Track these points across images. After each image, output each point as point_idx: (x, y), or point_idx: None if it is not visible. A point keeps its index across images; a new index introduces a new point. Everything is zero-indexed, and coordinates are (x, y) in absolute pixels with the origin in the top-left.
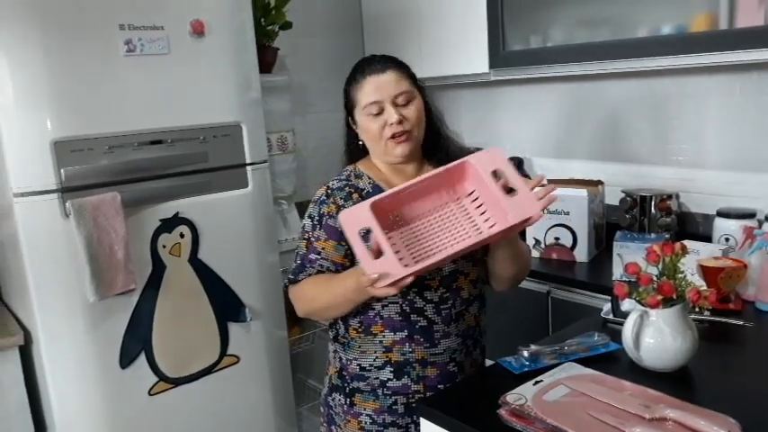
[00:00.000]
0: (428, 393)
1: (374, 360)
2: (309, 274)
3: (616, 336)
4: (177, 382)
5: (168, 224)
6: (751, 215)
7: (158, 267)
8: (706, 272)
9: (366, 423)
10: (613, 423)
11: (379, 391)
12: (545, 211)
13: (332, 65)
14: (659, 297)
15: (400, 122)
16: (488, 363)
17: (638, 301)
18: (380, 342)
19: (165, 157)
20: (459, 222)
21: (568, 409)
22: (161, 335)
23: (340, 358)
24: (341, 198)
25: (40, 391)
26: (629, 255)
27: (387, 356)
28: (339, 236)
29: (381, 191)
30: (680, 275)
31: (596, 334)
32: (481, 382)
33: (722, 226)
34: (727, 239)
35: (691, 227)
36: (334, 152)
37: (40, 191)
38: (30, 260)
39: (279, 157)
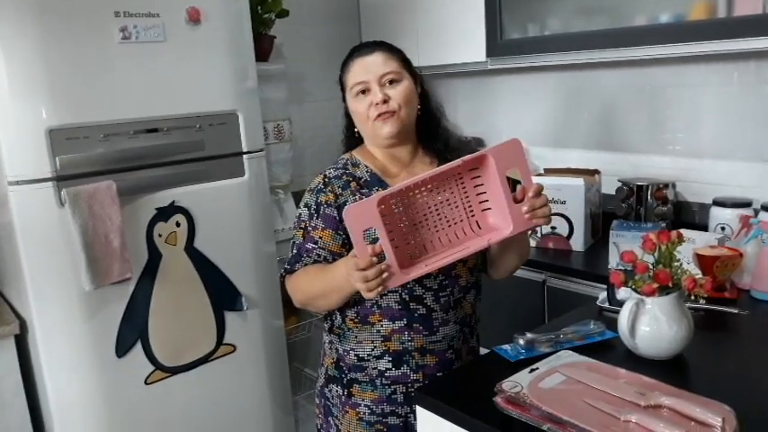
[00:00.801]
0: (427, 382)
1: (372, 350)
2: (306, 264)
3: (612, 324)
4: (173, 371)
5: (164, 213)
6: (747, 204)
7: (154, 256)
8: (702, 260)
9: (365, 413)
10: (609, 410)
11: (378, 381)
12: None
13: (328, 53)
14: (655, 285)
15: (385, 101)
16: (484, 351)
17: (634, 290)
18: (378, 332)
19: (161, 145)
20: (460, 218)
21: (564, 396)
22: (157, 324)
23: (336, 349)
24: (339, 187)
25: (35, 381)
26: (625, 244)
27: (385, 346)
28: (337, 225)
29: (378, 179)
30: (676, 264)
31: (592, 322)
32: (477, 370)
33: (718, 215)
34: (723, 228)
35: (687, 216)
36: (331, 141)
37: (35, 179)
38: (25, 249)
39: (275, 145)
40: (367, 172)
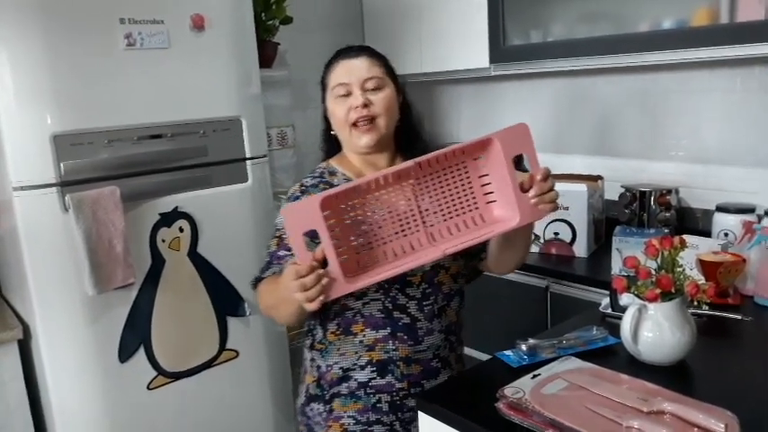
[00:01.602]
0: (412, 390)
1: (357, 360)
2: (274, 272)
3: (614, 330)
4: (176, 377)
5: (167, 218)
6: (750, 210)
7: (157, 261)
8: (705, 266)
9: (349, 424)
10: (611, 416)
11: (361, 392)
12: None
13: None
14: (658, 291)
15: (365, 106)
16: (486, 357)
17: (637, 295)
18: (361, 342)
19: (165, 151)
20: (463, 210)
21: (566, 402)
22: (160, 329)
23: (318, 366)
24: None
25: (38, 386)
26: (628, 249)
27: (369, 355)
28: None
29: None
30: (678, 269)
31: (595, 328)
32: (479, 375)
33: (721, 221)
34: (726, 234)
35: (690, 222)
36: None
37: (39, 185)
38: (29, 254)
39: (278, 151)
40: (344, 179)
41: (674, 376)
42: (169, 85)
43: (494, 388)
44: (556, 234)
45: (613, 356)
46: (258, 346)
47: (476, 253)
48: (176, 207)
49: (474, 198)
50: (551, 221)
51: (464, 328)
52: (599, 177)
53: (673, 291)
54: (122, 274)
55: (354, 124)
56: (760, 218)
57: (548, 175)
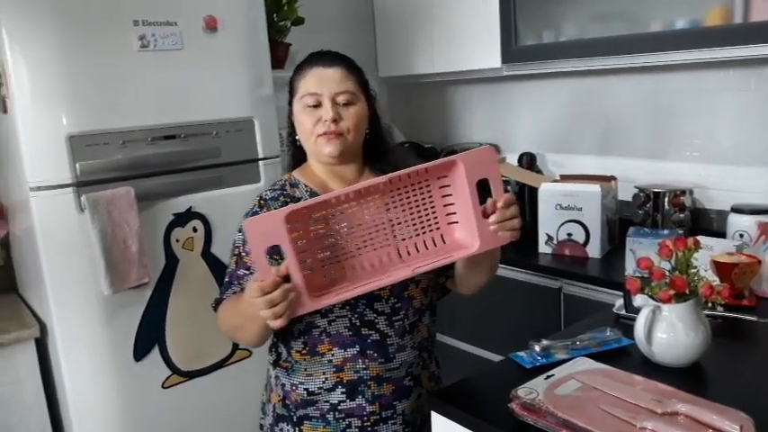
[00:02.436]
0: (383, 413)
1: (323, 382)
2: (235, 292)
3: (628, 331)
4: (190, 375)
5: (181, 218)
6: (766, 211)
7: (171, 261)
8: (719, 268)
9: None
10: (625, 417)
11: (330, 416)
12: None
13: None
14: (671, 292)
15: (335, 121)
16: (499, 359)
17: (651, 296)
18: (330, 362)
19: (179, 152)
20: (422, 230)
21: (580, 403)
22: (174, 328)
23: (282, 385)
24: (275, 208)
25: (55, 384)
26: (641, 250)
27: (338, 377)
28: (272, 250)
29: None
30: (692, 270)
31: (608, 329)
32: (492, 376)
33: (736, 222)
34: (741, 235)
35: (704, 223)
36: None
37: (55, 185)
38: (45, 254)
39: None
40: (306, 191)
41: (688, 378)
42: (182, 87)
43: (507, 389)
44: (569, 235)
45: (627, 358)
46: (269, 346)
47: (442, 271)
48: (190, 207)
49: (436, 218)
50: (564, 222)
51: (437, 344)
52: (612, 178)
53: (687, 292)
54: (137, 274)
55: (320, 135)
56: None
57: (510, 203)
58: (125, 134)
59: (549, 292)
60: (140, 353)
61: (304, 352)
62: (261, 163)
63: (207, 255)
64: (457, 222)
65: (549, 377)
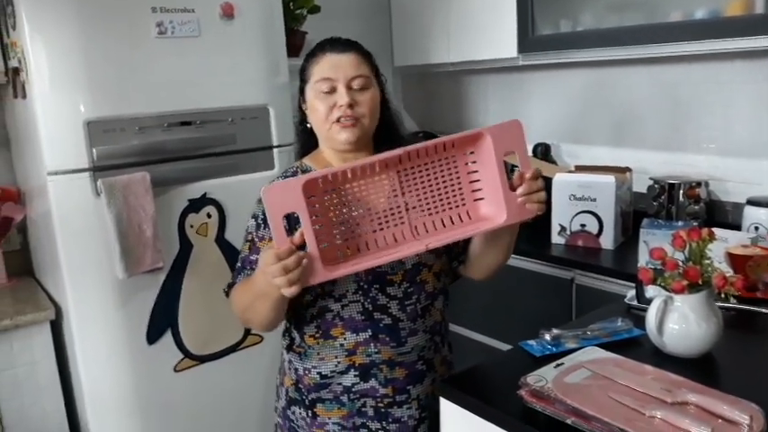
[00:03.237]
0: (397, 397)
1: (336, 366)
2: (247, 276)
3: (640, 322)
4: (202, 360)
5: (196, 204)
6: None
7: (185, 246)
8: (734, 260)
9: (334, 431)
10: (634, 406)
11: (344, 397)
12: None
13: None
14: (685, 282)
15: (350, 106)
16: (508, 347)
17: (664, 287)
18: (342, 345)
19: (194, 138)
20: (449, 205)
21: (589, 391)
22: (187, 313)
23: (296, 369)
24: None
25: (69, 366)
26: (655, 242)
27: (350, 360)
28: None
29: None
30: (706, 261)
31: (620, 319)
32: (502, 364)
33: (752, 214)
34: (756, 228)
35: (720, 215)
36: None
37: (72, 170)
38: (62, 238)
39: None
40: None
41: (700, 369)
42: (199, 73)
43: (516, 376)
44: (582, 226)
45: (638, 348)
46: (282, 331)
47: (455, 255)
48: (205, 193)
49: (462, 194)
50: (578, 213)
51: (449, 331)
52: (627, 169)
53: (700, 282)
54: (151, 258)
55: (336, 120)
56: None
57: (538, 175)
58: (141, 120)
59: (561, 282)
60: (153, 336)
61: (317, 336)
62: (275, 150)
63: (221, 241)
64: (483, 198)
65: (558, 365)
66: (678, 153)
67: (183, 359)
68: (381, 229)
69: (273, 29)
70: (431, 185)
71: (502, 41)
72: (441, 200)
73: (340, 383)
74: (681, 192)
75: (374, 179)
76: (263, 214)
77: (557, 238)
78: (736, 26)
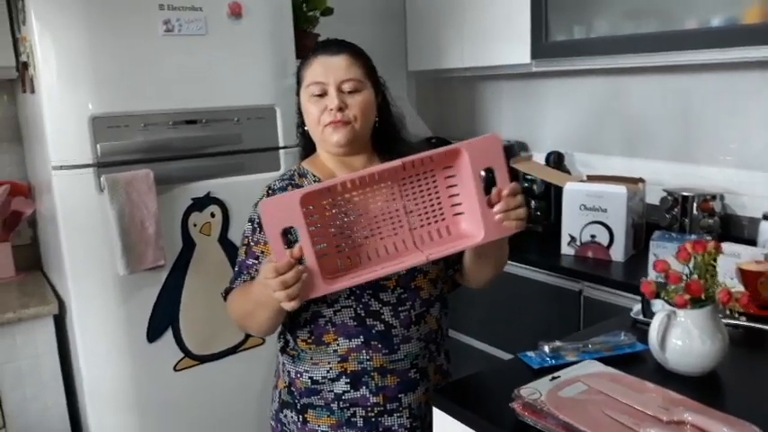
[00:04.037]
0: (388, 406)
1: (327, 372)
2: (245, 281)
3: (644, 336)
4: (202, 360)
5: (200, 203)
6: None
7: (188, 245)
8: (745, 276)
9: None
10: (629, 423)
11: (334, 405)
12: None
13: (372, 53)
14: (687, 296)
15: (340, 109)
16: (509, 357)
17: (667, 301)
18: (335, 351)
19: (199, 137)
20: (428, 221)
21: (583, 406)
22: (188, 312)
23: (288, 372)
24: None
25: (72, 360)
26: (666, 255)
27: (342, 367)
28: (286, 234)
29: None
30: (710, 276)
31: (623, 333)
32: (498, 375)
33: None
34: None
35: (735, 230)
36: None
37: (76, 165)
38: (65, 232)
39: None
40: (315, 181)
41: (702, 387)
42: (205, 72)
43: (511, 388)
44: (593, 237)
45: (640, 363)
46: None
47: (451, 263)
48: (209, 192)
49: (441, 209)
50: (588, 223)
51: (449, 339)
52: (640, 180)
53: (703, 297)
54: (153, 256)
55: (327, 125)
56: None
57: (517, 192)
58: (147, 117)
59: (569, 294)
60: (154, 334)
61: (309, 341)
62: (281, 151)
63: (224, 240)
64: (462, 213)
65: (554, 378)
66: (693, 165)
67: (183, 358)
68: (382, 237)
69: (282, 29)
70: (422, 197)
71: (515, 47)
72: (431, 211)
73: (331, 390)
74: (694, 204)
75: (373, 188)
76: (260, 218)
77: (566, 249)
78: (754, 34)
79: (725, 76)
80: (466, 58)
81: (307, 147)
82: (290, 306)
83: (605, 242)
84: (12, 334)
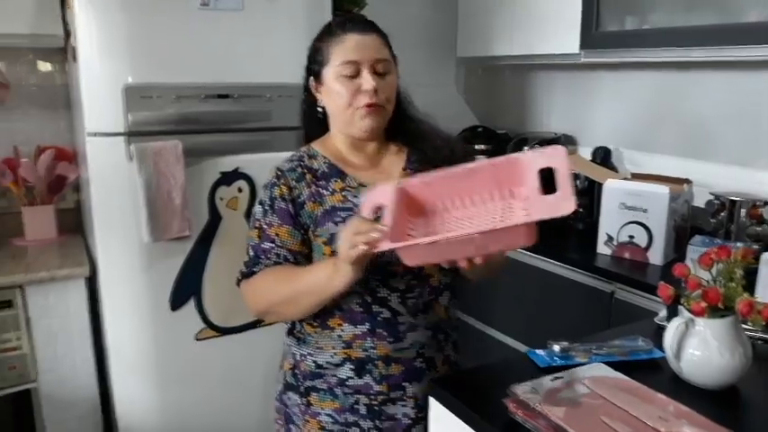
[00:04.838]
0: (392, 394)
1: (331, 357)
2: (266, 266)
3: None
4: (223, 332)
5: (228, 177)
6: None
7: (214, 218)
8: None
9: (327, 423)
10: (622, 431)
11: (338, 390)
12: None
13: (419, 36)
14: (704, 304)
15: (375, 92)
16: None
17: (686, 308)
18: (339, 337)
19: (230, 111)
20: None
21: (580, 409)
22: (211, 283)
23: (293, 354)
24: (293, 179)
25: (100, 322)
26: None
27: (346, 353)
28: (292, 220)
29: (337, 170)
30: (732, 285)
31: (640, 338)
32: (502, 369)
33: None
34: None
35: None
36: None
37: (109, 132)
38: (96, 197)
39: None
40: (325, 163)
41: (719, 402)
42: (239, 47)
43: (511, 384)
44: (631, 237)
45: (655, 371)
46: None
47: None
48: (237, 168)
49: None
50: (627, 223)
51: (457, 328)
52: (686, 181)
53: (721, 306)
54: (178, 226)
55: (362, 107)
56: None
57: None
58: (179, 89)
59: (600, 295)
60: (177, 303)
61: (315, 324)
62: None
63: (250, 216)
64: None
65: (556, 378)
66: (750, 169)
67: (204, 328)
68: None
69: (320, 8)
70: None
71: (564, 36)
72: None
73: (335, 375)
74: (743, 210)
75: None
76: (270, 200)
77: (602, 248)
78: None
79: None
80: (515, 46)
81: (314, 128)
82: (352, 253)
83: (644, 243)
84: (45, 292)
